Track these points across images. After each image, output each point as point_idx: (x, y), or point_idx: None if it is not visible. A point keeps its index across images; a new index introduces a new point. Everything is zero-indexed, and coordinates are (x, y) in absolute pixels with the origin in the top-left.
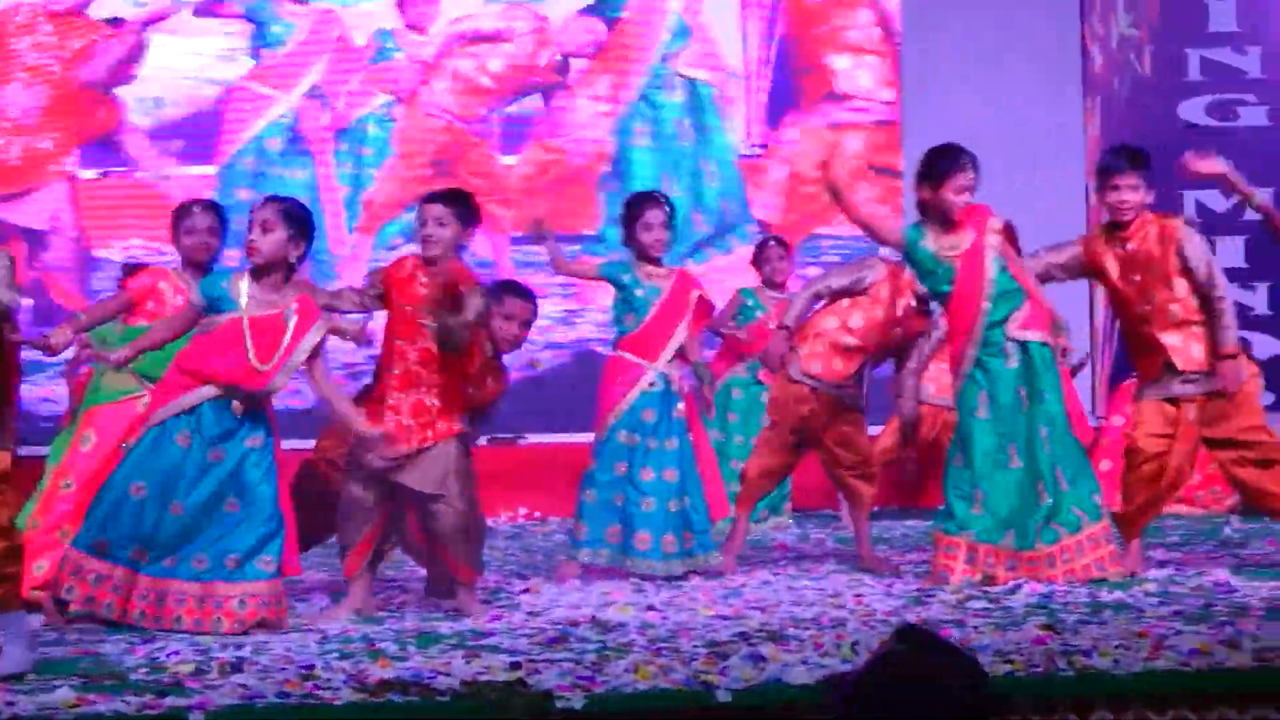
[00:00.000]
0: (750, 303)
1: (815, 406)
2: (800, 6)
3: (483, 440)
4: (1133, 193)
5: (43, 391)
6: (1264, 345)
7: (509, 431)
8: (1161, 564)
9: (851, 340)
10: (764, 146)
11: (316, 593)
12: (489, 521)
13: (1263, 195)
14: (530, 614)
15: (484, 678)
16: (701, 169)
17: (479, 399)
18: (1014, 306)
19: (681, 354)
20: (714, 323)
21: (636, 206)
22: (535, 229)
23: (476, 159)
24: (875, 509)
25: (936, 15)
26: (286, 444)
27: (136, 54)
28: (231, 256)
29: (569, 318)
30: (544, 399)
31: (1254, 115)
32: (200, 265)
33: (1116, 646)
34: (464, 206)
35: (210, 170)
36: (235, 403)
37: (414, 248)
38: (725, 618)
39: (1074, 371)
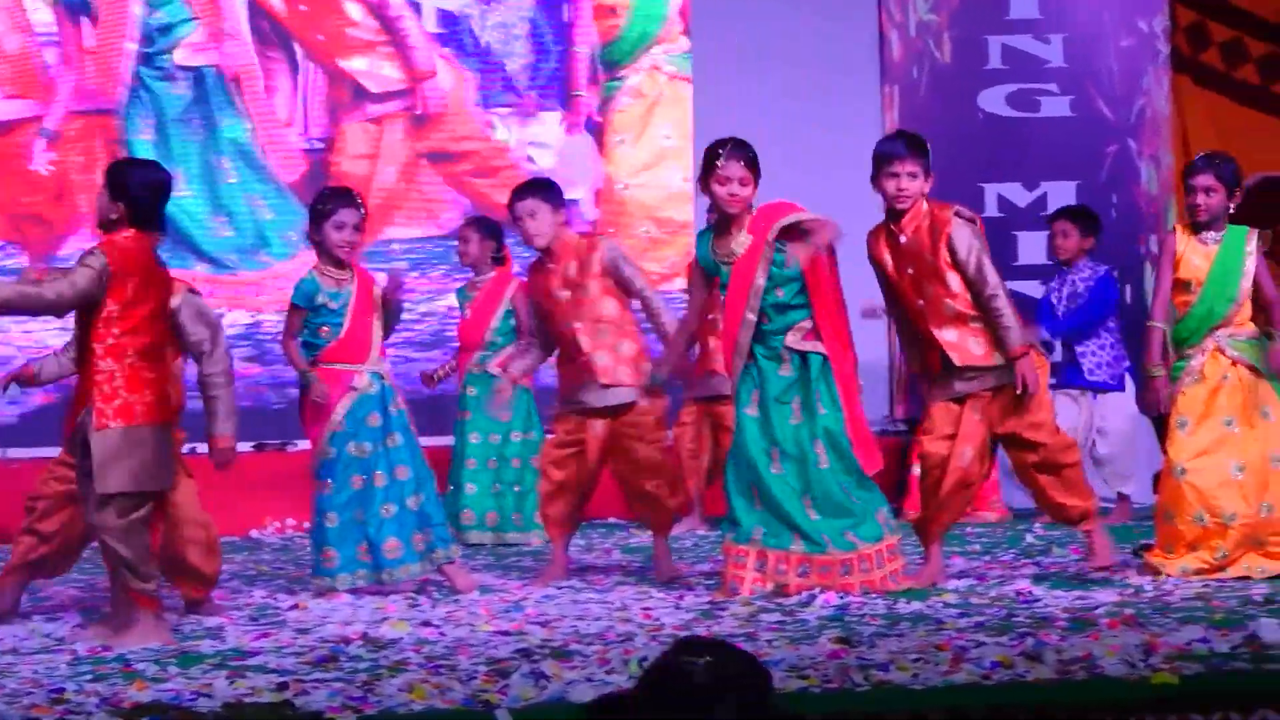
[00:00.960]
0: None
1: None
2: None
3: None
4: (910, 181)
5: None
6: None
7: (277, 439)
8: (962, 574)
9: None
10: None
11: (69, 610)
12: (255, 533)
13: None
14: (299, 631)
15: (249, 699)
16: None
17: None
18: (792, 321)
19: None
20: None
21: (329, 204)
22: None
23: None
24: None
25: (728, 2)
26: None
27: None
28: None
29: None
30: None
31: (1056, 105)
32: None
33: (915, 660)
34: None
35: None
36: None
37: None
38: (506, 633)
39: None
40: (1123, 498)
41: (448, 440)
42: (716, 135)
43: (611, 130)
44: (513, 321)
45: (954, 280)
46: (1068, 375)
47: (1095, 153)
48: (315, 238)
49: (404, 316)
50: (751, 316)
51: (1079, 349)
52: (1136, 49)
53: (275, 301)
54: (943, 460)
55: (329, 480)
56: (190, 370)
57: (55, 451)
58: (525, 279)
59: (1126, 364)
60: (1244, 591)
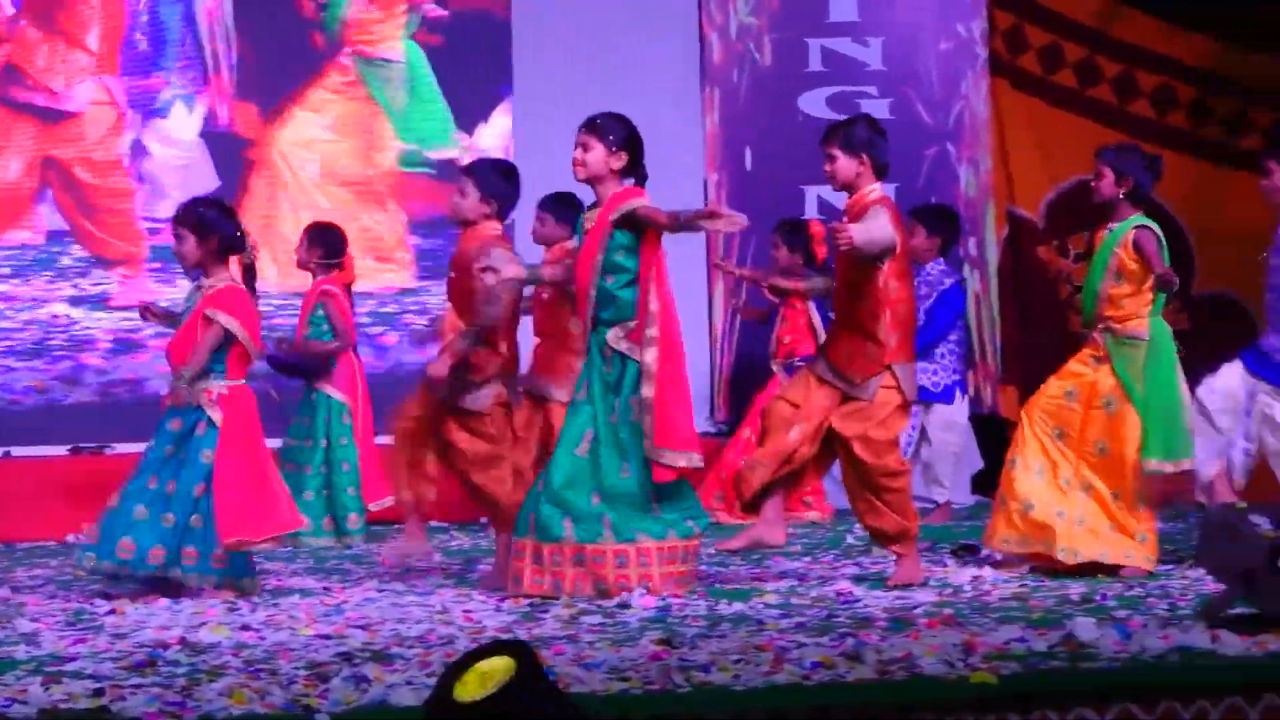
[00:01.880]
0: None
1: None
2: None
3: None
4: (830, 164)
5: None
6: None
7: (95, 441)
8: (783, 574)
9: None
10: None
11: None
12: (71, 537)
13: None
14: (116, 636)
15: (65, 706)
16: None
17: None
18: (618, 317)
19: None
20: None
21: None
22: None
23: None
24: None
25: (549, 2)
26: None
27: None
28: None
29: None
30: (134, 409)
31: (875, 108)
32: None
33: (736, 661)
34: None
35: None
36: None
37: None
38: (326, 637)
39: None
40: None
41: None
42: (537, 136)
43: None
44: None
45: (863, 281)
46: None
47: (914, 156)
48: None
49: (3, 325)
50: (593, 292)
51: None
52: (955, 53)
53: None
54: (777, 422)
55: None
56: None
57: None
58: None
59: (958, 376)
60: (1061, 591)
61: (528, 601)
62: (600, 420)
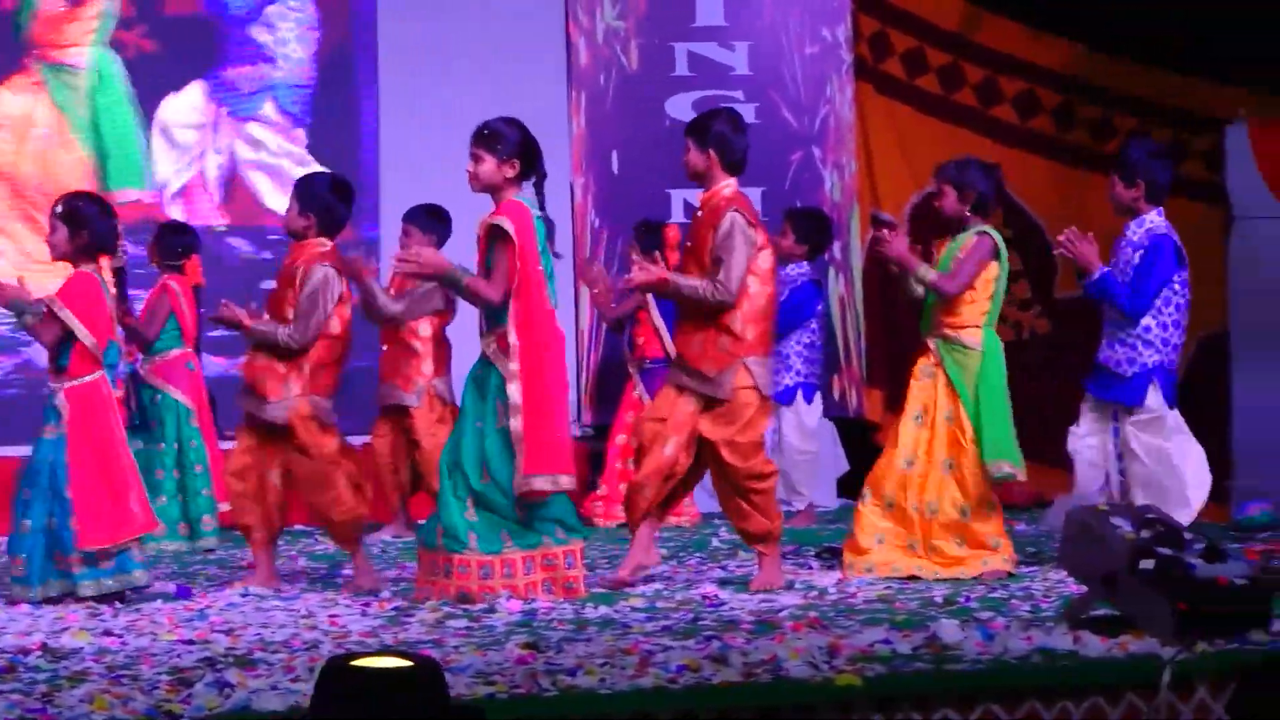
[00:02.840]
0: None
1: None
2: None
3: None
4: (685, 154)
5: None
6: None
7: None
8: (648, 578)
9: None
10: None
11: None
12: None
13: None
14: None
15: None
16: None
17: None
18: (495, 324)
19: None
20: None
21: None
22: None
23: None
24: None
25: (413, 3)
26: None
27: None
28: None
29: None
30: None
31: (741, 112)
32: None
33: (602, 664)
34: None
35: None
36: None
37: None
38: (190, 642)
39: None
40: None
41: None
42: (402, 138)
43: None
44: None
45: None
46: None
47: (780, 160)
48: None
49: None
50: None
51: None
52: (820, 57)
53: None
54: (650, 440)
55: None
56: None
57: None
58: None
59: (803, 379)
60: (925, 594)
61: (393, 606)
62: (468, 425)
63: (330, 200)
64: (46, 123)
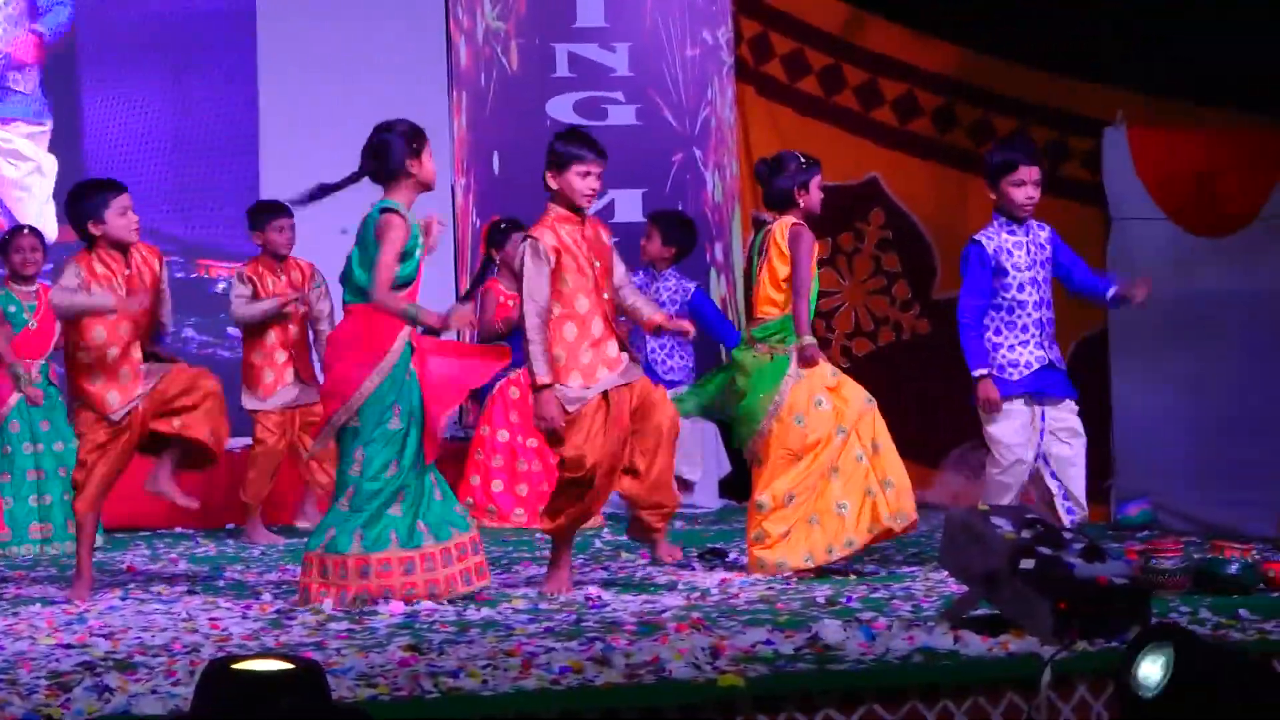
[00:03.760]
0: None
1: None
2: None
3: None
4: (596, 180)
5: None
6: None
7: None
8: (531, 580)
9: None
10: None
11: None
12: None
13: None
14: None
15: None
16: None
17: None
18: None
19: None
20: None
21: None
22: None
23: None
24: None
25: (293, 3)
26: None
27: None
28: None
29: None
30: None
31: (622, 114)
32: None
33: (485, 666)
34: None
35: None
36: None
37: None
38: (68, 646)
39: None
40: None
41: None
42: (280, 137)
43: None
44: None
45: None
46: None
47: (661, 161)
48: None
49: None
50: None
51: (653, 355)
52: (701, 59)
53: None
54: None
55: None
56: None
57: None
58: None
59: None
60: (808, 594)
61: (275, 609)
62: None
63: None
64: None
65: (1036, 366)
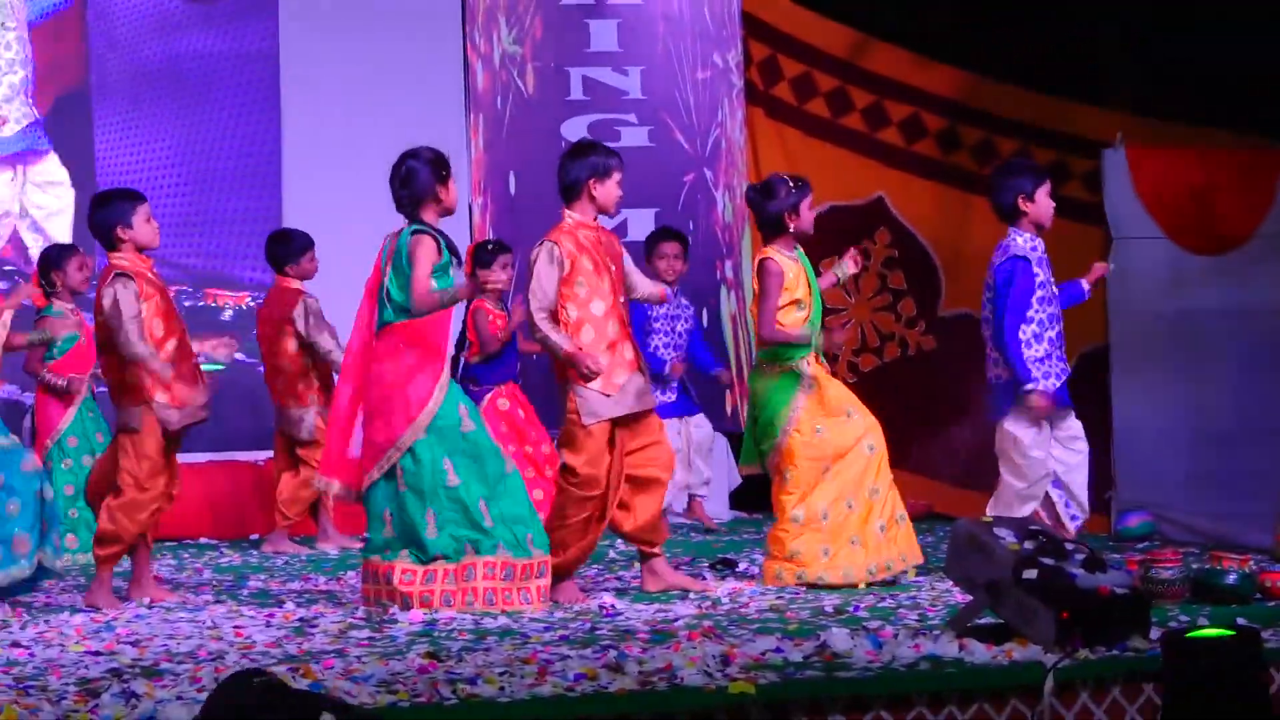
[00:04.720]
0: None
1: None
2: None
3: None
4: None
5: None
6: None
7: None
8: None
9: None
10: None
11: None
12: None
13: None
14: None
15: None
16: None
17: None
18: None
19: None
20: None
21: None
22: None
23: None
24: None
25: (314, 27)
26: None
27: None
28: None
29: None
30: None
31: (635, 135)
32: None
33: (502, 673)
34: None
35: None
36: None
37: None
38: (97, 653)
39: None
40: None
41: None
42: (305, 158)
43: None
44: None
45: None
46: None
47: (673, 182)
48: None
49: None
50: None
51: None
52: (712, 82)
53: None
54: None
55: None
56: None
57: None
58: None
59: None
60: (816, 603)
61: (297, 617)
62: None
63: None
64: None
65: (1064, 379)
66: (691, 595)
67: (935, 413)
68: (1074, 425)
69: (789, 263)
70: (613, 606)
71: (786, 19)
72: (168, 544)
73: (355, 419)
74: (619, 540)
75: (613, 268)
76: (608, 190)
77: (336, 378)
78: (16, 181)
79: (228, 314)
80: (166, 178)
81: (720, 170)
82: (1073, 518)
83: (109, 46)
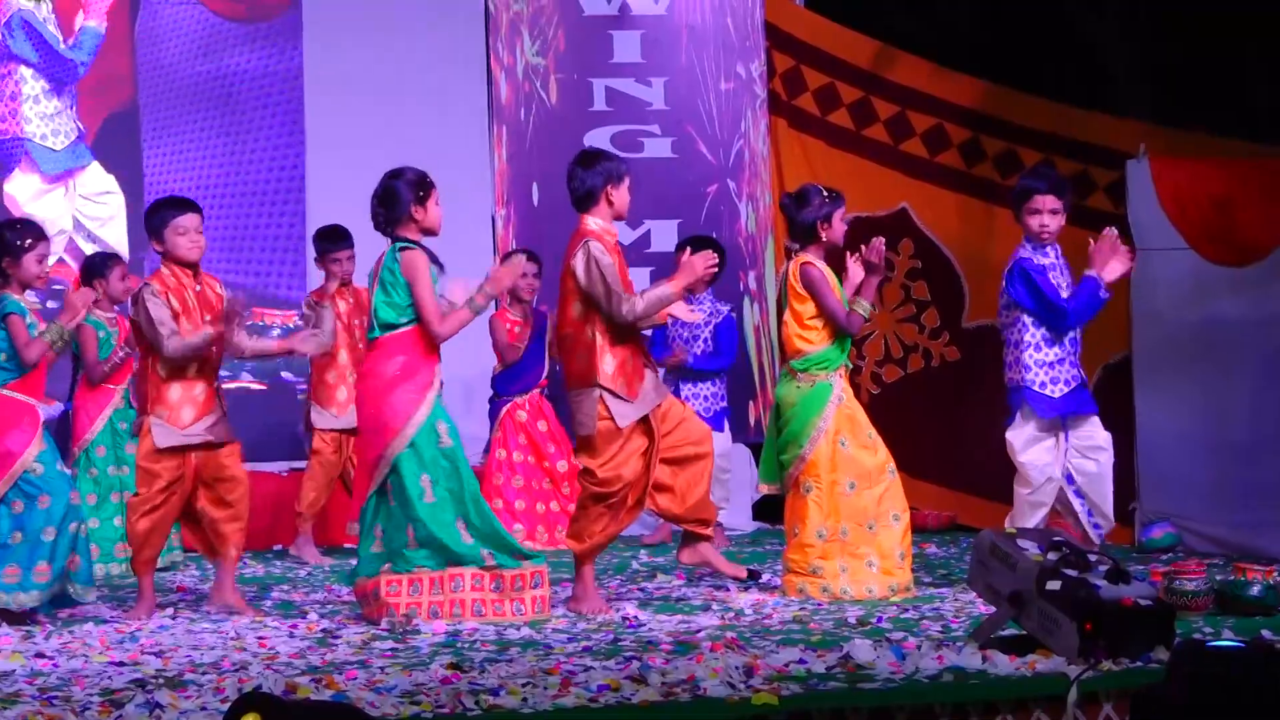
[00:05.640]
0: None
1: None
2: None
3: None
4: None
5: None
6: None
7: None
8: (569, 599)
9: None
10: None
11: None
12: None
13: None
14: None
15: None
16: None
17: None
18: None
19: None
20: None
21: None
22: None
23: None
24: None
25: (338, 37)
26: None
27: None
28: None
29: None
30: None
31: (658, 146)
32: None
33: (525, 684)
34: None
35: None
36: None
37: None
38: (121, 664)
39: None
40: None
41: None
42: (328, 170)
43: None
44: None
45: (575, 307)
46: None
47: (696, 192)
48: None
49: None
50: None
51: (685, 389)
52: (735, 93)
53: None
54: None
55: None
56: None
57: None
58: None
59: (724, 404)
60: (839, 614)
61: (321, 628)
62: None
63: None
64: None
65: (1075, 385)
66: (714, 606)
67: (959, 424)
68: (1096, 434)
69: (825, 269)
70: (636, 618)
71: (810, 30)
72: (192, 555)
73: None
74: (642, 551)
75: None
76: (622, 195)
77: None
78: (69, 196)
79: (275, 332)
80: (212, 194)
81: (743, 181)
82: (1095, 527)
83: (155, 65)
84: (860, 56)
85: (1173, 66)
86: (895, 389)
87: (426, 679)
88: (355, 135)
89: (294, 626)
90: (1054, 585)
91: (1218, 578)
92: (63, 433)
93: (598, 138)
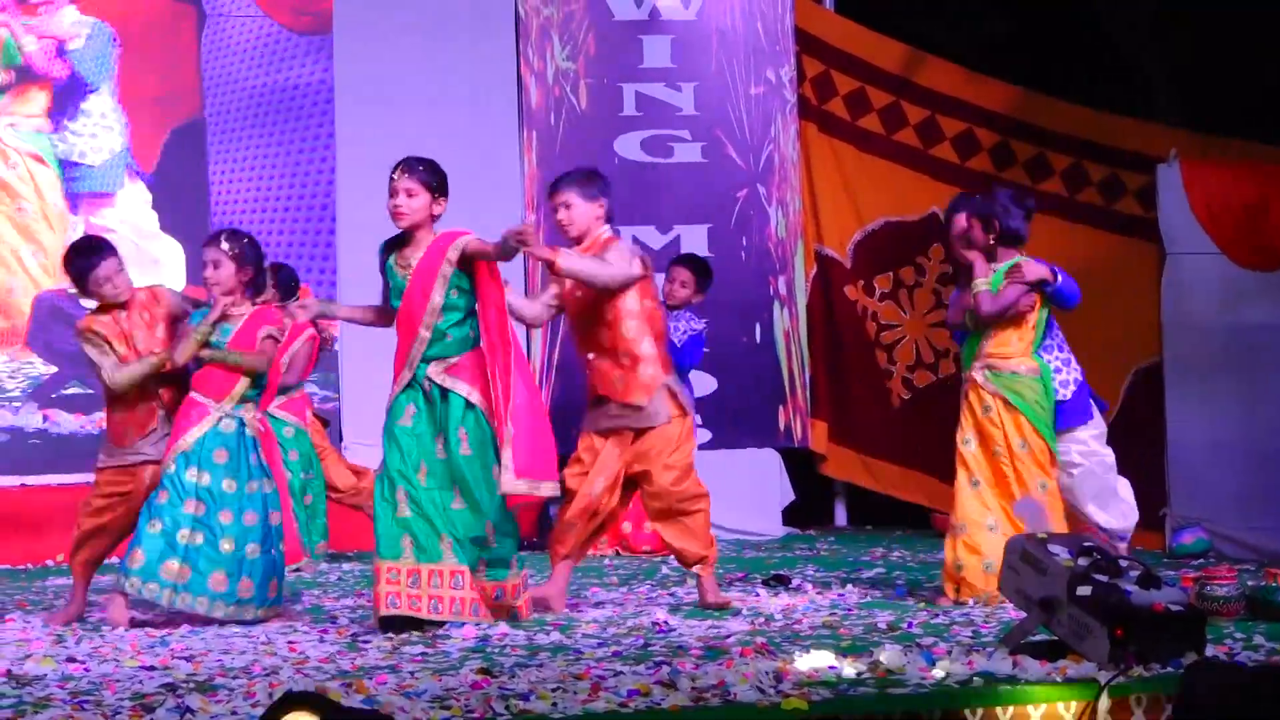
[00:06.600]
0: None
1: None
2: None
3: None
4: (565, 210)
5: None
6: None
7: None
8: (600, 604)
9: None
10: None
11: None
12: None
13: None
14: None
15: None
16: None
17: None
18: (443, 353)
19: None
20: None
21: None
22: None
23: None
24: None
25: (368, 43)
26: None
27: None
28: None
29: None
30: None
31: (688, 151)
32: None
33: (555, 689)
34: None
35: None
36: None
37: None
38: (152, 668)
39: None
40: None
41: None
42: (359, 174)
43: None
44: None
45: (610, 310)
46: None
47: (726, 197)
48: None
49: None
50: (425, 333)
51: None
52: (765, 97)
53: None
54: (574, 485)
55: (168, 491)
56: None
57: None
58: None
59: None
60: (869, 619)
61: (351, 633)
62: (429, 452)
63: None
64: None
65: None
66: (744, 611)
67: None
68: (1069, 448)
69: None
70: (666, 623)
71: (840, 35)
72: None
73: (541, 418)
74: (672, 556)
75: None
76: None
77: None
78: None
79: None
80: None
81: (773, 186)
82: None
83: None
84: (890, 61)
85: (1204, 71)
86: (926, 394)
87: (456, 684)
88: (386, 142)
89: (324, 631)
90: (1085, 590)
91: (1249, 583)
92: None
93: (628, 143)
